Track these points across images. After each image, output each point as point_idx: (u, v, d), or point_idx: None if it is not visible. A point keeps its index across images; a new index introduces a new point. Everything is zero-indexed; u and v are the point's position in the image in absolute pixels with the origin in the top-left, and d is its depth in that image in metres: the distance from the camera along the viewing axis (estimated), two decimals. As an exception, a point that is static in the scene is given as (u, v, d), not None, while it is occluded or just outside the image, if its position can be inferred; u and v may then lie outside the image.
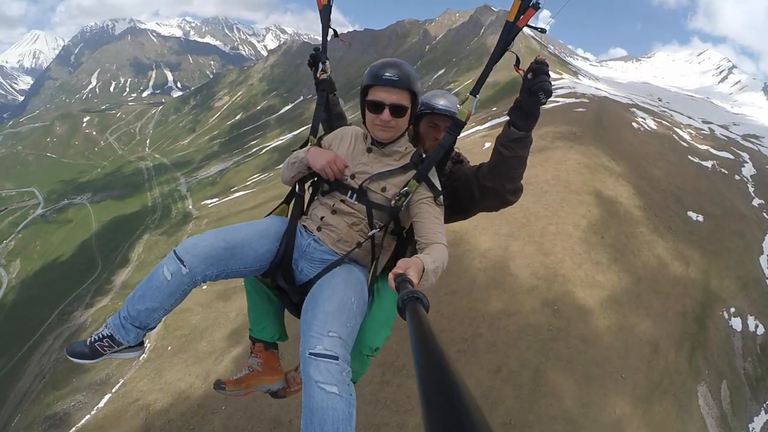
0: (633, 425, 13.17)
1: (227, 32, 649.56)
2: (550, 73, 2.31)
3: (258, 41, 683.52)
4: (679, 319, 16.71)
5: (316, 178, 2.73)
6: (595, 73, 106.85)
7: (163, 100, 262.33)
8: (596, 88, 56.64)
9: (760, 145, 53.96)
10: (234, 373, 5.26)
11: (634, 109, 41.29)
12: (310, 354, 2.01)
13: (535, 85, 2.26)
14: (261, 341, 3.02)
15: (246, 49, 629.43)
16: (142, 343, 2.46)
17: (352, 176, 2.58)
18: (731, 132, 57.09)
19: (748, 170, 34.23)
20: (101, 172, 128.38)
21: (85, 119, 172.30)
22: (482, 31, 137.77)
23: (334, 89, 3.21)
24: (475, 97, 2.55)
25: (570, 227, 18.94)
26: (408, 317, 1.15)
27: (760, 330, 17.91)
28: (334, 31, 3.25)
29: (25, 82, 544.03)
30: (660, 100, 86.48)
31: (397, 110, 2.45)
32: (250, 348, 3.07)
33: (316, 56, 3.15)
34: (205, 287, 37.85)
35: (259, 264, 2.50)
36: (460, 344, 14.19)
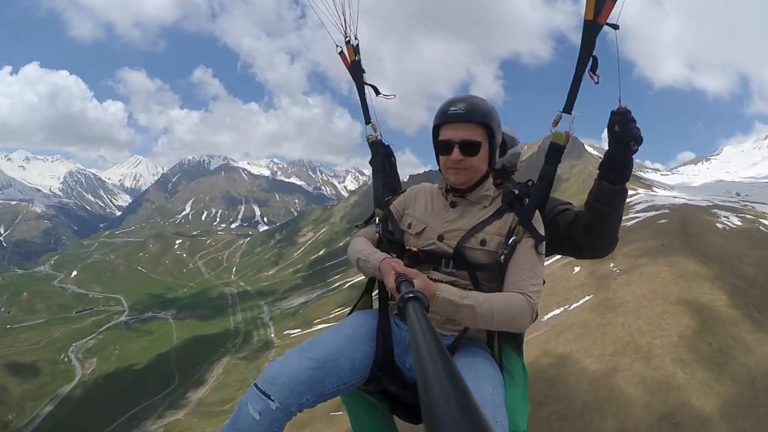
0: None
1: (311, 173, 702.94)
2: (634, 118, 2.13)
3: (339, 182, 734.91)
4: (804, 412, 15.35)
5: (395, 254, 2.30)
6: (668, 182, 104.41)
7: (250, 233, 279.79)
8: (673, 197, 55.68)
9: None
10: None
11: (715, 210, 40.05)
12: None
13: (625, 135, 2.11)
14: None
15: (328, 189, 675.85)
16: None
17: (440, 238, 2.24)
18: (818, 208, 53.76)
19: None
20: (187, 291, 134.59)
21: (177, 242, 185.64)
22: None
23: (390, 153, 2.98)
24: (570, 114, 2.23)
25: (675, 338, 18.11)
26: (408, 317, 1.13)
27: None
28: (374, 87, 2.86)
29: (123, 200, 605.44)
30: (738, 195, 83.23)
31: (467, 147, 2.13)
32: None
33: (387, 151, 2.95)
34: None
35: (359, 375, 2.13)
36: (580, 470, 13.39)
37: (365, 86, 2.87)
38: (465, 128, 2.12)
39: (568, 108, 2.22)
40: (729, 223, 35.51)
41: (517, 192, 2.27)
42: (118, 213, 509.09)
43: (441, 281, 2.06)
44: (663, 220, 33.46)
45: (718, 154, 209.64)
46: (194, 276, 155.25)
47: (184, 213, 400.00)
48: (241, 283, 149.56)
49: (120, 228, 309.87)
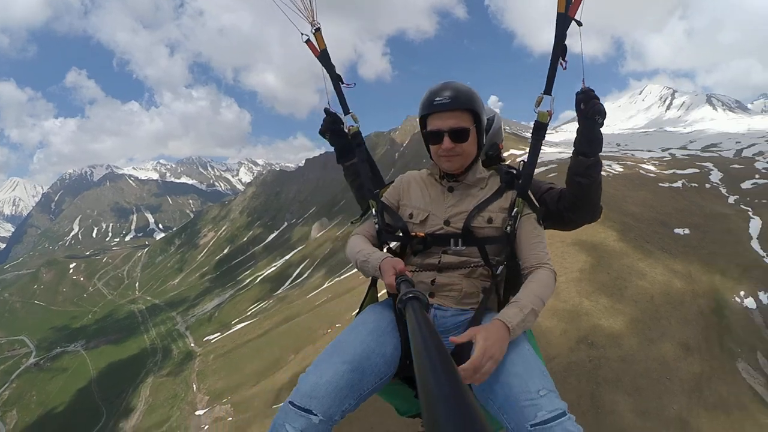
0: (693, 413, 14.34)
1: (202, 170, 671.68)
2: (598, 96, 2.34)
3: (233, 176, 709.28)
4: (698, 318, 18.22)
5: (399, 243, 2.44)
6: (553, 139, 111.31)
7: (147, 243, 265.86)
8: (559, 152, 59.52)
9: (719, 151, 57.28)
10: None
11: (598, 160, 44.56)
12: (534, 426, 1.63)
13: (588, 111, 2.30)
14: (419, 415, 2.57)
15: (222, 184, 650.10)
16: None
17: (446, 223, 2.31)
18: (690, 150, 60.29)
19: (715, 176, 36.92)
20: (93, 317, 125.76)
21: (71, 266, 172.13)
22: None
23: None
24: (550, 95, 2.34)
25: (577, 273, 20.46)
26: (408, 316, 1.15)
27: (774, 299, 19.38)
28: (339, 77, 2.82)
29: (6, 230, 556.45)
30: (618, 145, 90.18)
31: (457, 135, 2.21)
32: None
33: (333, 119, 2.90)
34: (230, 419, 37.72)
35: (392, 368, 2.11)
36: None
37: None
38: (452, 116, 2.20)
39: (548, 90, 2.33)
40: (612, 170, 39.11)
41: (515, 171, 2.42)
42: (2, 245, 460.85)
43: (452, 262, 2.26)
44: (552, 174, 36.10)
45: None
46: (97, 300, 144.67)
47: (73, 233, 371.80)
48: (148, 298, 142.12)
49: (7, 261, 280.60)
